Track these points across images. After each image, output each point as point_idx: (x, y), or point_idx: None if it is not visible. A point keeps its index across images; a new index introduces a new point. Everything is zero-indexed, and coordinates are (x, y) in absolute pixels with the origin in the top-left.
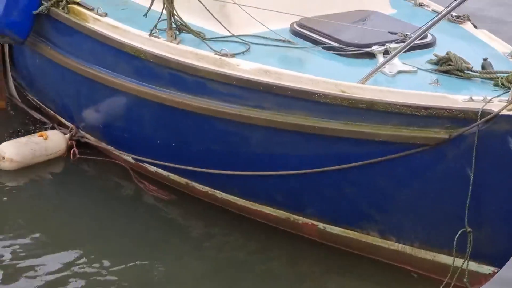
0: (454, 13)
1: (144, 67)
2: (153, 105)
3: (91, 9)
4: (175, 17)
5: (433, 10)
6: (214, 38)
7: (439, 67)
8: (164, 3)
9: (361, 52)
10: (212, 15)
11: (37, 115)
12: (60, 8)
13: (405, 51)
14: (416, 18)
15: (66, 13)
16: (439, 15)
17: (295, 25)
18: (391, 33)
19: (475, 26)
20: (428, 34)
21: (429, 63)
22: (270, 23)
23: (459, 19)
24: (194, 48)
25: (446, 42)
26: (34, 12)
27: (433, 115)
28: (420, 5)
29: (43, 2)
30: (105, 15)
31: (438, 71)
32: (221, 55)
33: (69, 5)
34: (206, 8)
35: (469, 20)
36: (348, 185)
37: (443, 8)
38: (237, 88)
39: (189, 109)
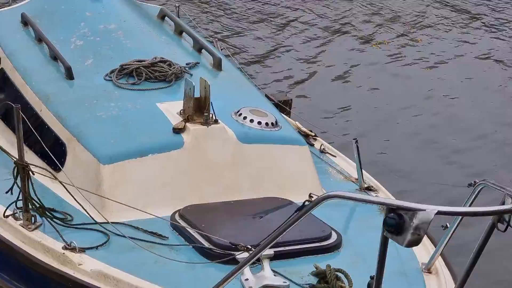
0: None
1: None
2: None
3: None
4: (32, 199)
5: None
6: (75, 224)
7: (316, 284)
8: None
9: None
10: (74, 199)
11: None
12: None
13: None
14: (356, 209)
15: None
16: (293, 218)
17: (176, 215)
18: (233, 243)
19: None
20: (332, 233)
21: (312, 275)
22: (158, 208)
23: None
24: (48, 237)
25: (363, 242)
26: None
27: None
28: (369, 189)
29: None
30: None
31: None
32: (68, 249)
33: None
34: (68, 192)
35: None
36: None
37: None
38: None
39: None
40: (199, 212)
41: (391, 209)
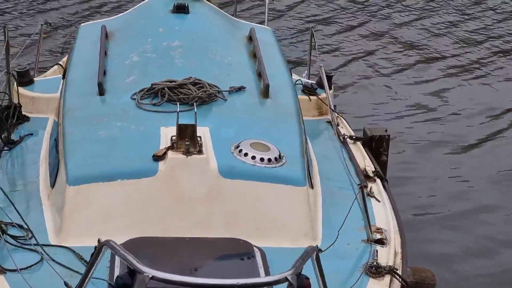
0: None
1: None
2: None
3: None
4: None
5: None
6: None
7: None
8: None
9: None
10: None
11: None
12: None
13: None
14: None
15: None
16: None
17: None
18: None
19: None
20: None
21: None
22: (116, 236)
23: None
24: None
25: None
26: None
27: None
28: (379, 241)
29: None
30: None
31: None
32: None
33: None
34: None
35: None
36: None
37: None
38: None
39: None
40: (142, 245)
41: (129, 268)
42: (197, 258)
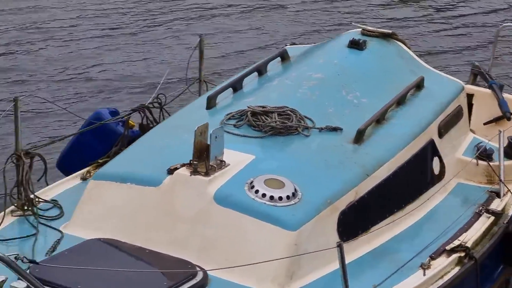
0: None
1: None
2: None
3: None
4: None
5: None
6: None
7: None
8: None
9: None
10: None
11: None
12: None
13: None
14: None
15: None
16: None
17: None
18: None
19: None
20: None
21: None
22: (106, 234)
23: None
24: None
25: None
26: None
27: None
28: None
29: None
30: None
31: None
32: None
33: None
34: None
35: None
36: None
37: None
38: None
39: None
40: (98, 246)
41: None
42: (126, 267)
